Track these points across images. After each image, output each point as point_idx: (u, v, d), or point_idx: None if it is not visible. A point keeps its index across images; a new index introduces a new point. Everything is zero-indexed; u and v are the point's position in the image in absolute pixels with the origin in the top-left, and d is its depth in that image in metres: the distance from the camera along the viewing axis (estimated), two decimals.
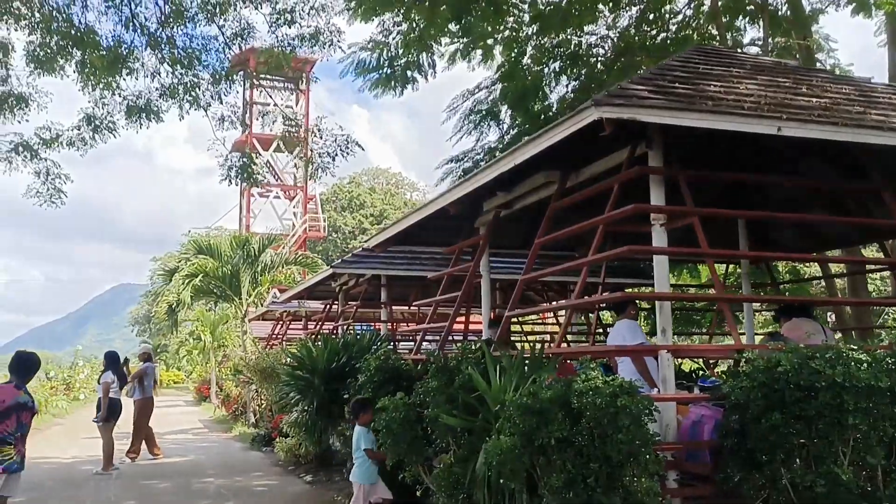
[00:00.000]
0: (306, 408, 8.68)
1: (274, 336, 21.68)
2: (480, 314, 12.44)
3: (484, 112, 12.81)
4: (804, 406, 4.05)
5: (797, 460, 4.20)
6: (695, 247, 5.66)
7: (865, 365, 4.06)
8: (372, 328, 13.80)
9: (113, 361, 12.12)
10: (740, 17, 13.67)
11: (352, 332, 11.87)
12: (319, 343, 9.39)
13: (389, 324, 12.58)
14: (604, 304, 12.66)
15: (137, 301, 76.23)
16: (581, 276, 5.56)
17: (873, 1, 13.83)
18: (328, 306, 15.12)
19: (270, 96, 45.18)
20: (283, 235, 22.01)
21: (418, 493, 5.67)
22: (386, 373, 7.58)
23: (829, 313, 16.64)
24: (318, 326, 15.20)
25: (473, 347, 5.65)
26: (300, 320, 19.52)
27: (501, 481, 4.13)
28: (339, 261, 12.08)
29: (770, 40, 12.30)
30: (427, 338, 16.33)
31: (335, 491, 9.59)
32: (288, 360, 13.88)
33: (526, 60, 13.78)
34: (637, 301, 6.86)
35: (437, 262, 12.52)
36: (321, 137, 10.98)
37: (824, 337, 6.93)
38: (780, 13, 13.45)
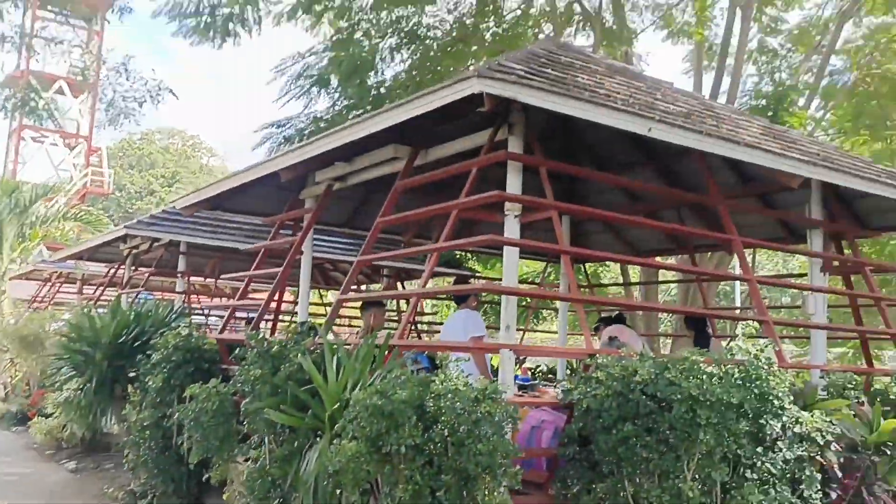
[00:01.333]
0: (82, 386, 7.49)
1: (38, 299, 19.20)
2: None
3: (314, 78, 11.98)
4: (657, 418, 3.90)
5: (643, 474, 4.06)
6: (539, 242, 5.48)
7: (716, 378, 3.99)
8: (152, 298, 12.47)
9: None
10: (574, 23, 13.99)
11: (139, 302, 10.60)
12: (104, 311, 8.18)
13: (186, 297, 11.40)
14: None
15: None
16: (430, 262, 5.12)
17: (687, 29, 14.81)
18: (113, 270, 13.49)
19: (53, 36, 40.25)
20: (60, 186, 19.34)
21: (224, 496, 4.94)
22: (186, 352, 6.73)
23: None
24: (100, 292, 13.52)
25: (302, 331, 5.02)
26: (74, 283, 17.39)
27: (338, 492, 3.58)
28: (136, 221, 10.73)
29: (600, 49, 12.65)
30: (217, 314, 15.22)
31: (106, 480, 8.46)
32: (60, 328, 12.24)
33: (359, 34, 13.11)
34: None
35: (246, 233, 11.57)
36: (128, 79, 9.61)
37: (642, 346, 7.09)
38: (607, 25, 13.93)
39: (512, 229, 4.93)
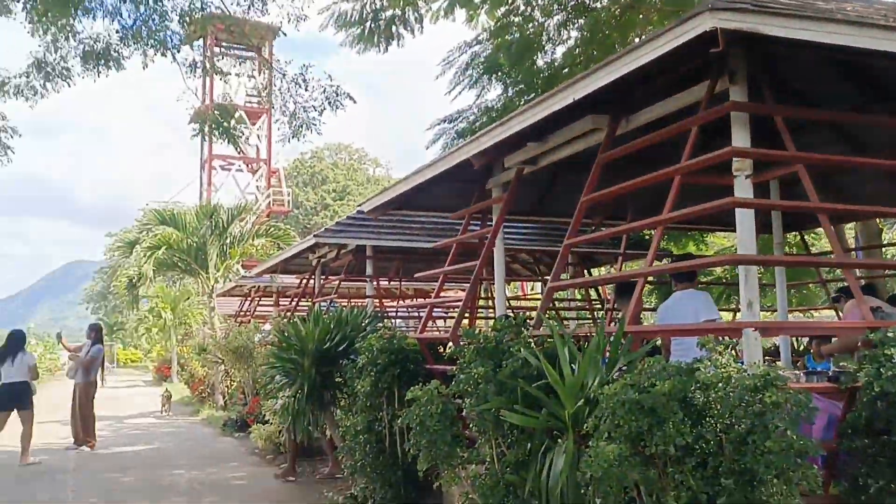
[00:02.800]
0: (295, 393, 7.62)
1: (242, 313, 20.47)
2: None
3: (483, 66, 11.69)
4: None
5: None
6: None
7: None
8: (336, 306, 12.69)
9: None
10: None
11: (332, 309, 10.80)
12: (306, 319, 8.30)
13: (376, 301, 11.49)
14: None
15: (92, 277, 73.81)
16: (654, 240, 4.58)
17: None
18: (304, 281, 13.96)
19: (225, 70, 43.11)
20: (250, 207, 20.54)
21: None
22: (391, 354, 6.59)
23: None
24: (295, 303, 14.04)
25: (517, 323, 4.65)
26: (271, 296, 18.32)
27: (598, 501, 3.14)
28: (323, 229, 10.96)
29: None
30: (402, 315, 15.38)
31: (324, 484, 8.60)
32: (265, 338, 12.80)
33: (517, 17, 12.66)
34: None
35: (429, 231, 11.48)
36: (306, 89, 9.79)
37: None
38: None
39: (744, 190, 4.27)
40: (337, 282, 12.10)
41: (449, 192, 8.06)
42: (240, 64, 41.84)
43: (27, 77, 9.42)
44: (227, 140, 10.34)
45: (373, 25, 13.10)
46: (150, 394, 24.97)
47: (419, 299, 15.41)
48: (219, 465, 10.20)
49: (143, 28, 8.99)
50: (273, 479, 9.19)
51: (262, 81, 36.43)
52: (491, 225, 7.26)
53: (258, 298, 19.43)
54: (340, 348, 7.79)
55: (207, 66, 12.23)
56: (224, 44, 36.88)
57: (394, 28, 13.33)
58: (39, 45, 9.37)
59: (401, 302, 13.71)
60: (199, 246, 17.13)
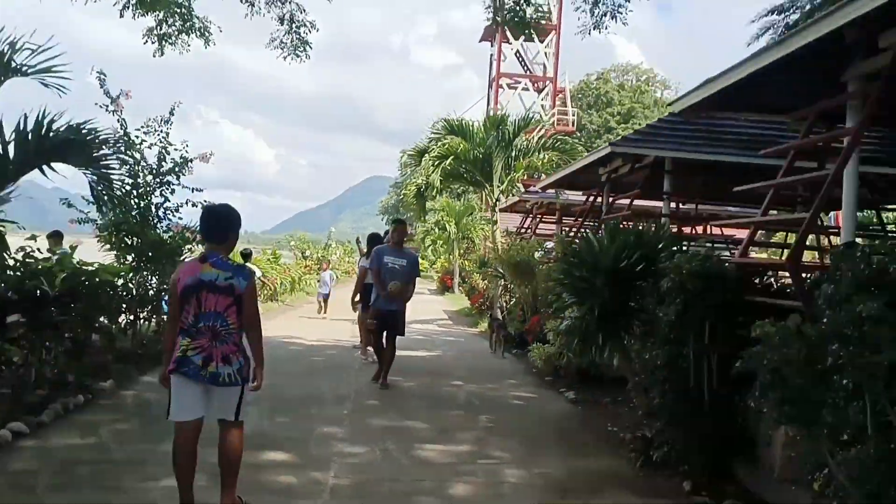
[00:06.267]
0: (584, 315, 6.80)
1: (523, 230, 20.19)
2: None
3: None
4: None
5: None
6: None
7: None
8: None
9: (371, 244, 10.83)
10: None
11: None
12: (600, 234, 7.39)
13: (671, 222, 10.18)
14: None
15: (387, 191, 79.91)
16: None
17: None
18: (591, 198, 12.97)
19: None
20: (538, 120, 19.83)
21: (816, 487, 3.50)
22: (705, 279, 5.47)
23: None
24: (582, 220, 13.15)
25: None
26: (553, 214, 17.65)
27: None
28: (620, 139, 9.86)
29: None
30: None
31: (607, 416, 7.80)
32: (547, 255, 12.18)
33: None
34: None
35: (745, 144, 9.80)
36: None
37: None
38: None
39: None
40: (629, 199, 10.93)
41: (782, 88, 6.52)
42: None
43: None
44: (521, 30, 9.51)
45: None
46: (433, 302, 26.09)
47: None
48: (496, 382, 9.86)
49: None
50: (552, 402, 8.61)
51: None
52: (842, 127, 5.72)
53: (540, 216, 18.95)
54: (638, 268, 6.79)
55: None
56: None
57: None
58: None
59: (701, 229, 12.20)
60: (485, 157, 16.89)
